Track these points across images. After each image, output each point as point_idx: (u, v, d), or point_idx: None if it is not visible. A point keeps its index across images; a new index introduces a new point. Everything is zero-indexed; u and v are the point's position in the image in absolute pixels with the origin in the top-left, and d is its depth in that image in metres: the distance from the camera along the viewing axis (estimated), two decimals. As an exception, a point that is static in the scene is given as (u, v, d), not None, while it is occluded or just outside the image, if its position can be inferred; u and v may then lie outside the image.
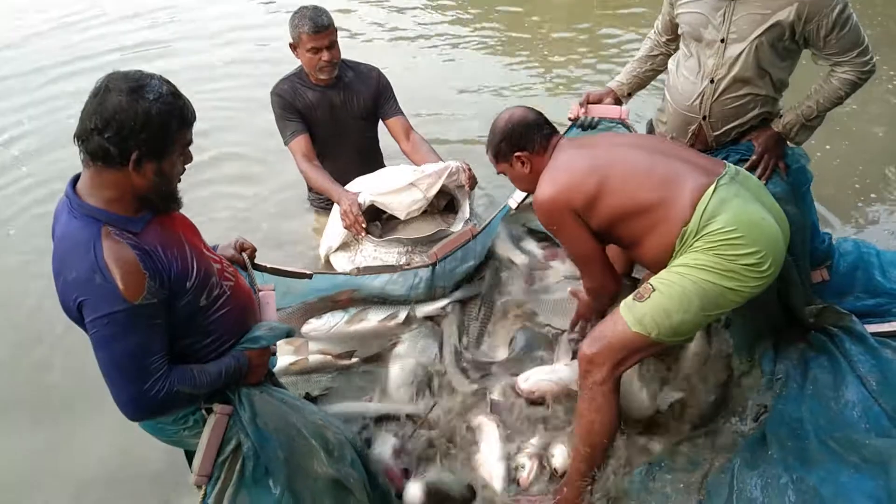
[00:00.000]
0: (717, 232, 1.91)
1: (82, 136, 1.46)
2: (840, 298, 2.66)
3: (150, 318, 1.51)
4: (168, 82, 1.53)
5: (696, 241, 1.94)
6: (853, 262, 2.75)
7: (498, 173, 2.32)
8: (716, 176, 1.99)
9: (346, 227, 2.81)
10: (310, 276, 2.48)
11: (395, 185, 2.84)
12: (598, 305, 2.38)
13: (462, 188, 2.97)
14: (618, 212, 2.03)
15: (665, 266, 2.03)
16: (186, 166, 1.64)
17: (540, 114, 2.25)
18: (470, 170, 2.95)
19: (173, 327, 1.59)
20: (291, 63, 3.12)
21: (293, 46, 2.98)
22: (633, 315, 1.96)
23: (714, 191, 1.94)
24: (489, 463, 2.26)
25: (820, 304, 2.55)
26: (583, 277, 2.29)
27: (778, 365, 2.49)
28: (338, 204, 2.88)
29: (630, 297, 2.01)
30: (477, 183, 3.01)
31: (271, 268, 2.25)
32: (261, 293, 1.99)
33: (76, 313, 1.49)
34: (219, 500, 1.68)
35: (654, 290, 1.96)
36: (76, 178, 1.57)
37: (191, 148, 1.62)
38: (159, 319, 1.53)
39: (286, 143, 3.09)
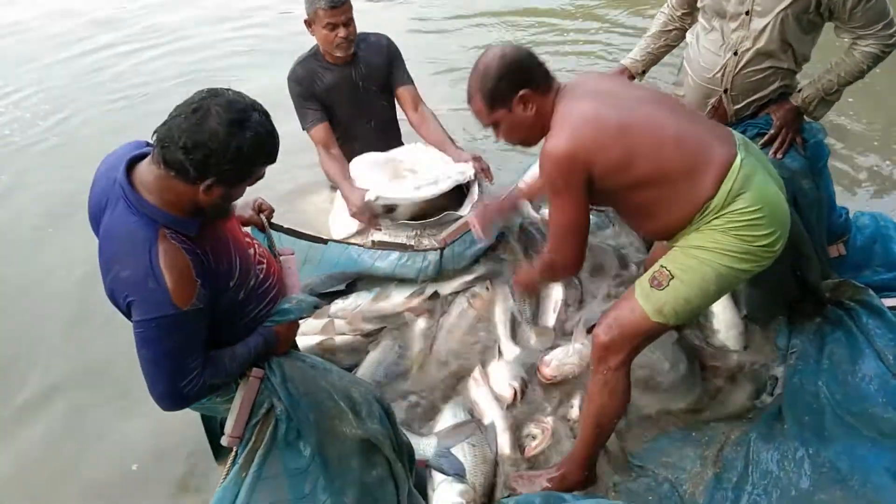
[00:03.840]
0: (741, 211, 1.80)
1: (165, 142, 1.42)
2: (857, 273, 2.65)
3: (195, 322, 1.52)
4: (268, 116, 1.51)
5: (717, 218, 1.82)
6: (871, 236, 2.73)
7: (486, 126, 1.96)
8: (732, 146, 1.86)
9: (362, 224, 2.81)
10: (325, 242, 2.46)
11: (404, 190, 2.81)
12: (546, 279, 2.29)
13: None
14: (640, 180, 1.83)
15: (670, 237, 1.95)
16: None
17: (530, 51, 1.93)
18: (484, 164, 2.90)
19: (211, 324, 1.60)
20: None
21: (308, 23, 2.93)
22: (652, 304, 1.88)
23: (739, 165, 1.81)
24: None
25: (837, 278, 2.54)
26: (552, 248, 1.98)
27: (793, 339, 2.50)
28: (346, 202, 2.86)
29: (646, 283, 1.91)
30: (492, 177, 2.95)
31: (287, 228, 2.23)
32: (282, 258, 1.98)
33: (125, 309, 1.50)
34: (248, 461, 1.70)
35: (672, 276, 1.86)
36: (129, 163, 1.53)
37: None
38: (203, 322, 1.55)
39: (306, 131, 3.07)
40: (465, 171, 2.84)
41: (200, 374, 1.56)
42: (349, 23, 2.90)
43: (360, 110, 3.12)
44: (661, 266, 1.90)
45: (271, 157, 1.53)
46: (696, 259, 1.85)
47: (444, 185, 2.78)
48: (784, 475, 2.05)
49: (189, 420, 2.16)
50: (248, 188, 1.59)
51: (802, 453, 2.09)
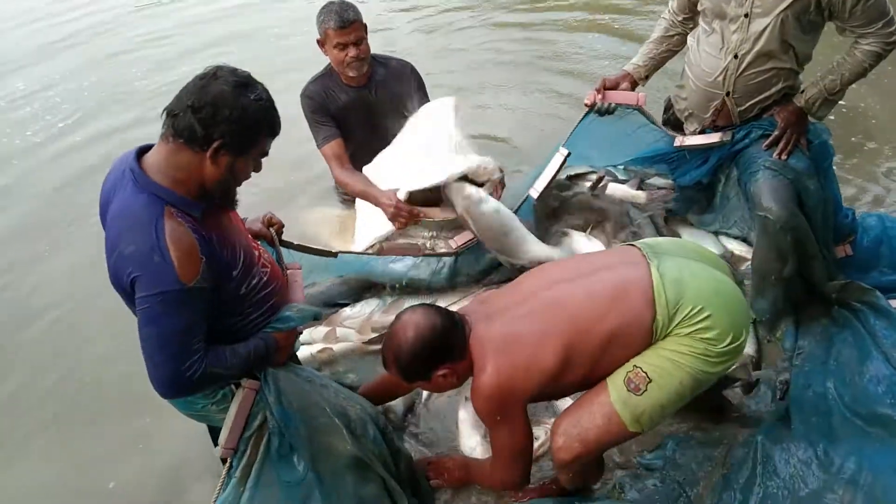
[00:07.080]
0: (690, 315, 1.72)
1: (174, 111, 1.49)
2: (864, 274, 2.64)
3: (199, 302, 1.53)
4: (269, 92, 1.57)
5: (677, 327, 1.74)
6: (877, 237, 2.73)
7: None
8: (642, 261, 1.81)
9: (400, 227, 2.78)
10: (335, 255, 2.48)
11: (426, 174, 2.73)
12: (482, 487, 2.14)
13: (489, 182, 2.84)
14: (589, 361, 1.77)
15: None
16: (253, 174, 1.66)
17: (441, 310, 1.85)
18: (502, 176, 2.83)
19: (212, 312, 1.61)
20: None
21: (321, 43, 2.92)
22: (630, 412, 1.75)
23: (660, 276, 1.75)
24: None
25: (843, 279, 2.54)
26: (497, 470, 1.92)
27: (800, 341, 2.50)
28: (378, 207, 2.81)
29: (621, 384, 1.76)
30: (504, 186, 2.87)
31: (298, 244, 2.25)
32: (289, 271, 2.00)
33: (128, 288, 1.51)
34: (245, 475, 1.71)
35: (649, 380, 1.74)
36: (139, 151, 1.58)
37: None
38: (205, 304, 1.56)
39: (319, 147, 3.05)
40: (487, 161, 2.74)
41: (202, 359, 1.57)
42: (360, 42, 2.87)
43: (374, 132, 3.07)
44: (636, 367, 1.77)
45: (273, 128, 1.59)
46: (671, 362, 1.75)
47: (471, 161, 2.70)
48: (793, 476, 2.04)
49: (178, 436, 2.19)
50: (253, 174, 1.64)
51: (811, 454, 2.07)
